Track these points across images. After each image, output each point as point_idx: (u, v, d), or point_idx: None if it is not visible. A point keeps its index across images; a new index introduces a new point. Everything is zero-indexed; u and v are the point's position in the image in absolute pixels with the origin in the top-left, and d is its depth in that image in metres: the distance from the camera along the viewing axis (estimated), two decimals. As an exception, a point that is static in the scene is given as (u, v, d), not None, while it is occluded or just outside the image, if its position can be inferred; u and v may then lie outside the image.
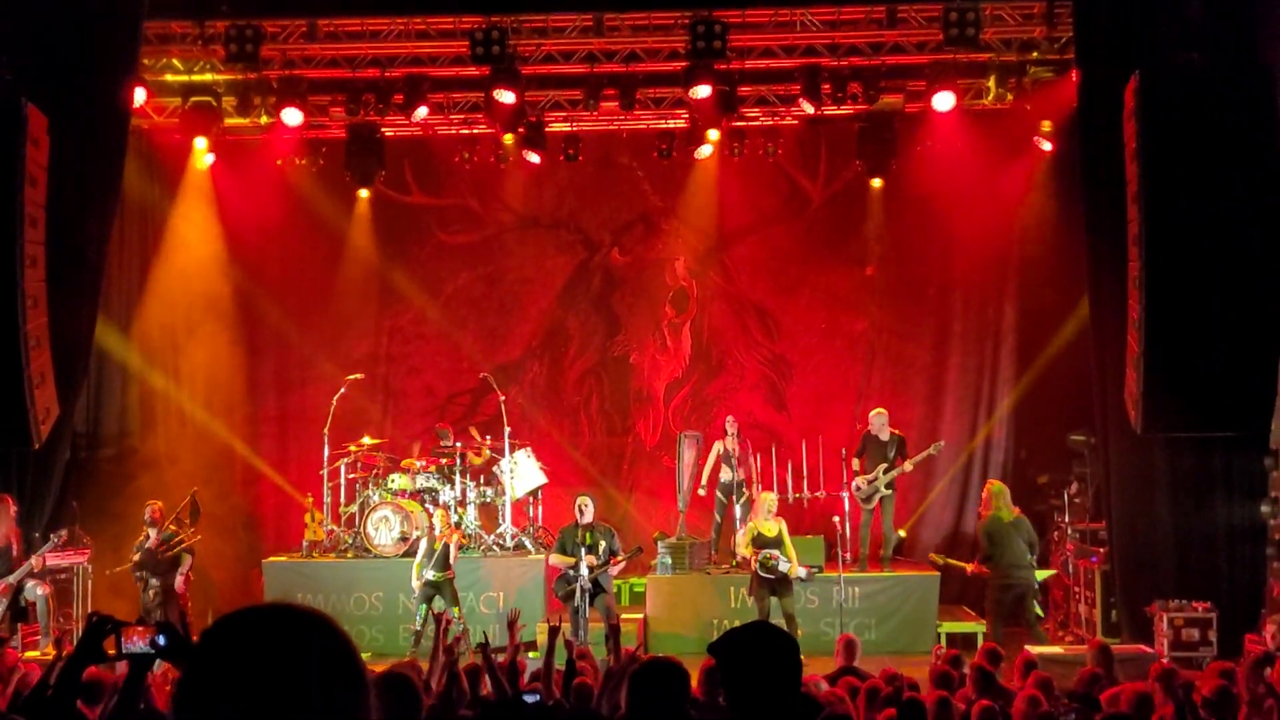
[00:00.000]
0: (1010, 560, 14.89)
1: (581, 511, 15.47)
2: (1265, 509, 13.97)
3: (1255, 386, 14.01)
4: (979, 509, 15.65)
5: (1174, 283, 13.92)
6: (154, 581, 15.61)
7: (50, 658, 10.78)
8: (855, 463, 17.53)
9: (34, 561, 14.44)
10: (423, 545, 15.94)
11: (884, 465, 17.32)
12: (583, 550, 15.12)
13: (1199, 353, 13.97)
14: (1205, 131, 13.81)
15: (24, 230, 14.22)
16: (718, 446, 18.01)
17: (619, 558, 15.39)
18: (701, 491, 18.06)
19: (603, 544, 15.29)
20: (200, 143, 18.93)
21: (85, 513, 16.74)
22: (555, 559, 15.53)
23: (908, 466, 17.38)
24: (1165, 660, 12.02)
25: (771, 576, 15.20)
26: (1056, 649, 13.87)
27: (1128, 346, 14.49)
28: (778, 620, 14.30)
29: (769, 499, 15.75)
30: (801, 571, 15.24)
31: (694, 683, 6.41)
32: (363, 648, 11.03)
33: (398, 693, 5.34)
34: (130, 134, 16.44)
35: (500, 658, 8.87)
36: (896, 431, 17.59)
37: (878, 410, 17.80)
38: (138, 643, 4.47)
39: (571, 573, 15.13)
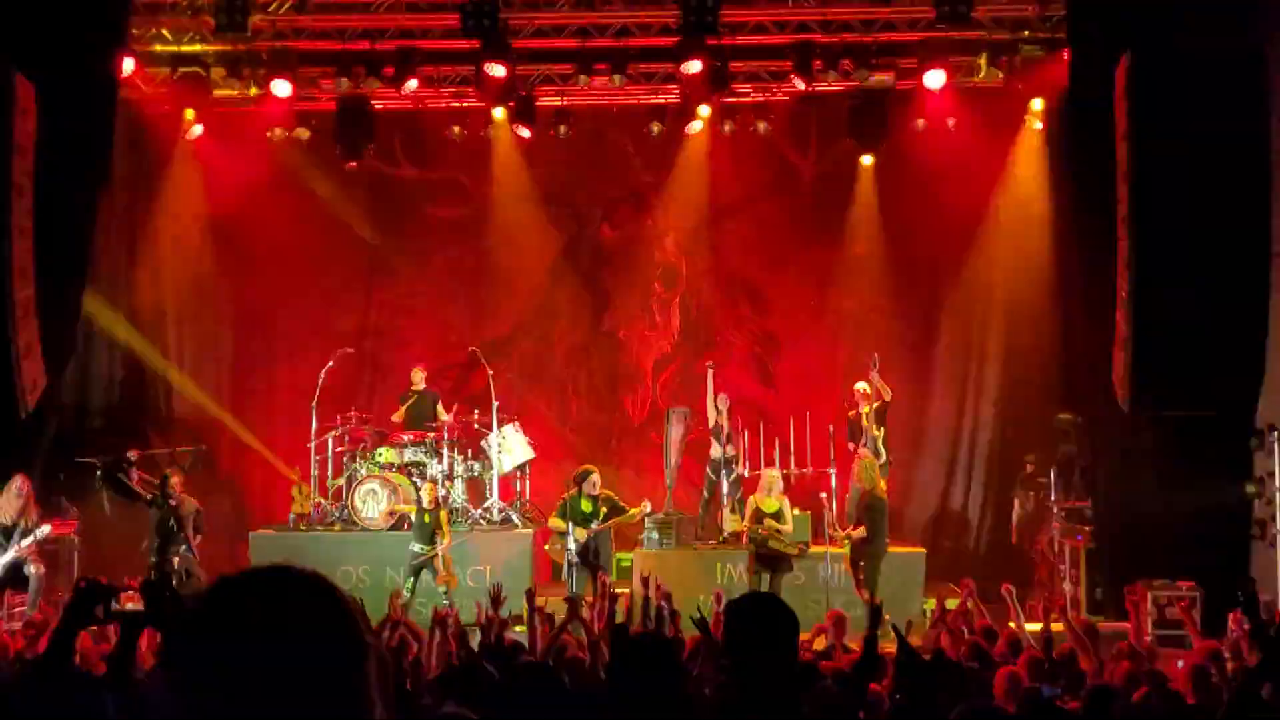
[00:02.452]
0: (885, 533, 15.34)
1: (595, 484, 15.76)
2: (1250, 489, 14.01)
3: (1241, 366, 14.06)
4: (854, 481, 15.66)
5: (1162, 263, 13.95)
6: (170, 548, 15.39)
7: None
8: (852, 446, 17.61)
9: (14, 551, 14.22)
10: (413, 518, 16.07)
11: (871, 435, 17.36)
12: (571, 524, 15.32)
13: (1186, 333, 14.00)
14: (1195, 111, 13.82)
15: (12, 201, 14.18)
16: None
17: (617, 519, 15.65)
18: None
19: (604, 510, 15.52)
20: (189, 114, 18.87)
21: (72, 484, 16.70)
22: (553, 522, 15.82)
23: (878, 402, 17.32)
24: (1148, 638, 12.06)
25: (764, 551, 15.32)
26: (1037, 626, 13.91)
27: (1116, 326, 14.52)
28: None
29: (773, 475, 15.88)
30: (790, 548, 15.39)
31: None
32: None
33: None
34: (119, 104, 16.39)
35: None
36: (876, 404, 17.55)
37: (860, 385, 17.76)
38: (128, 607, 4.50)
39: (558, 546, 15.32)
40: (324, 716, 1.92)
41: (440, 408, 18.44)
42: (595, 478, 15.85)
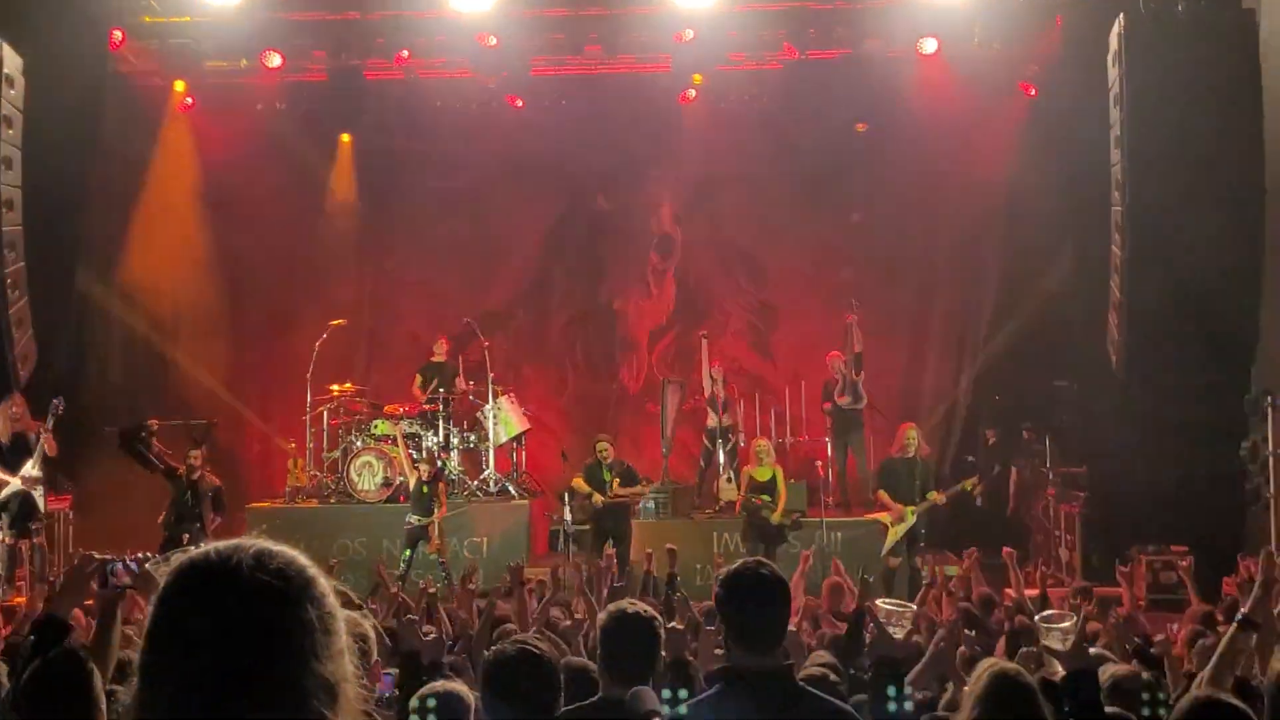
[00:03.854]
0: None
1: (603, 451, 15.90)
2: (1244, 453, 14.01)
3: (1235, 331, 14.06)
4: (916, 454, 15.55)
5: (1156, 227, 13.93)
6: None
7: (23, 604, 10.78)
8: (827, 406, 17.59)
9: (34, 463, 14.21)
10: (411, 489, 16.11)
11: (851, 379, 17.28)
12: (592, 490, 15.54)
13: (1180, 298, 14.00)
14: (1188, 75, 13.80)
15: (0, 173, 14.16)
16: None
17: (629, 489, 15.84)
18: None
19: (616, 480, 15.72)
20: (179, 85, 18.81)
21: (67, 458, 16.68)
22: (576, 482, 16.04)
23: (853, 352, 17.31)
24: (1142, 603, 12.10)
25: (756, 520, 15.33)
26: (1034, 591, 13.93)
27: (1110, 291, 14.51)
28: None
29: (764, 445, 15.88)
30: (784, 519, 15.36)
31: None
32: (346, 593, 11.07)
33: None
34: (109, 76, 16.33)
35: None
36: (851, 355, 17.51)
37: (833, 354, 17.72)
38: (123, 578, 4.55)
39: (555, 516, 15.50)
40: (258, 682, 1.91)
41: (459, 379, 18.42)
42: (600, 445, 15.98)
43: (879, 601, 7.92)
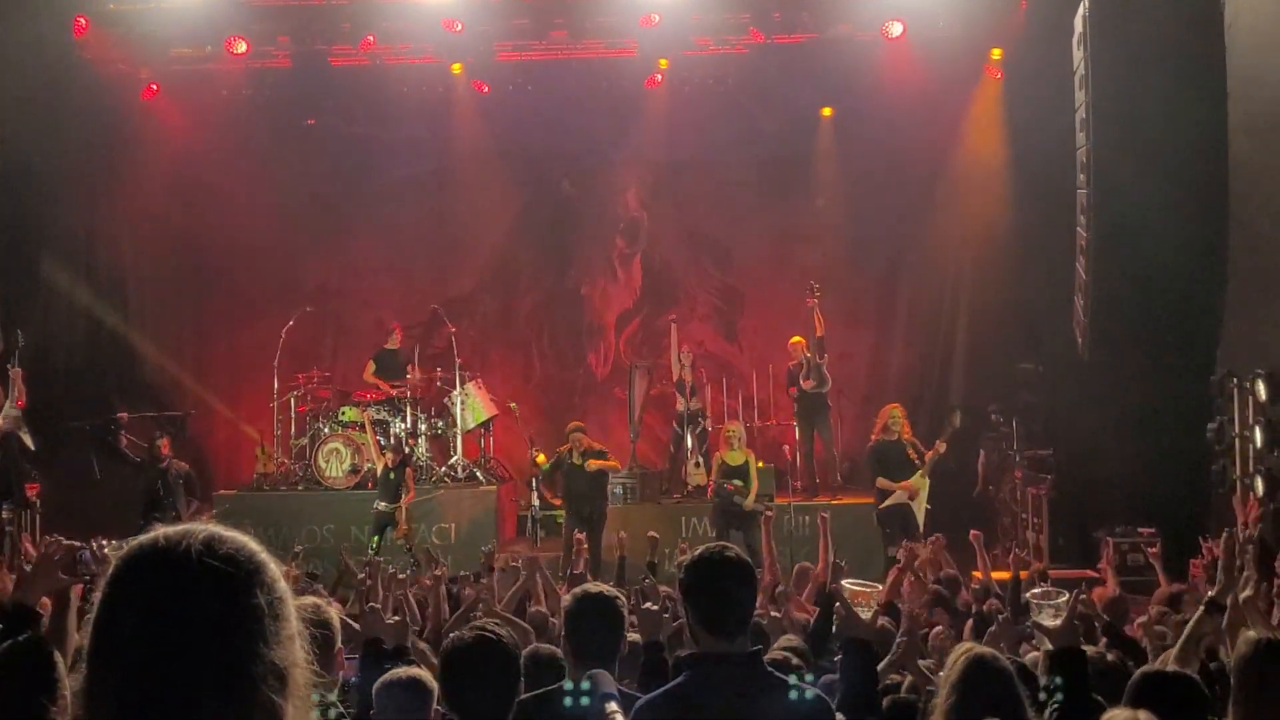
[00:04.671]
0: None
1: (577, 443, 15.89)
2: (1210, 435, 14.07)
3: (1201, 312, 14.11)
4: (901, 437, 15.54)
5: (1121, 209, 13.98)
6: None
7: None
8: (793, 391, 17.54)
9: (14, 385, 14.17)
10: (378, 475, 16.10)
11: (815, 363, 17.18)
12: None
13: (1145, 279, 14.05)
14: (1152, 57, 13.84)
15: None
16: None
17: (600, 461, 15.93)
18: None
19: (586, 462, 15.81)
20: (145, 73, 18.68)
21: (34, 449, 16.58)
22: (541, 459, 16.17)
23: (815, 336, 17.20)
24: (1111, 586, 12.13)
25: (729, 507, 15.32)
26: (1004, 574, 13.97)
27: (1075, 273, 14.55)
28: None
29: (736, 429, 15.87)
30: (757, 506, 15.31)
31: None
32: (316, 579, 11.04)
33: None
34: (73, 64, 16.21)
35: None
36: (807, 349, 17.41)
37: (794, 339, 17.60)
38: (91, 566, 4.59)
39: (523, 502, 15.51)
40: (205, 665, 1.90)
41: (412, 367, 18.38)
42: (574, 434, 16.07)
43: (844, 582, 7.91)
